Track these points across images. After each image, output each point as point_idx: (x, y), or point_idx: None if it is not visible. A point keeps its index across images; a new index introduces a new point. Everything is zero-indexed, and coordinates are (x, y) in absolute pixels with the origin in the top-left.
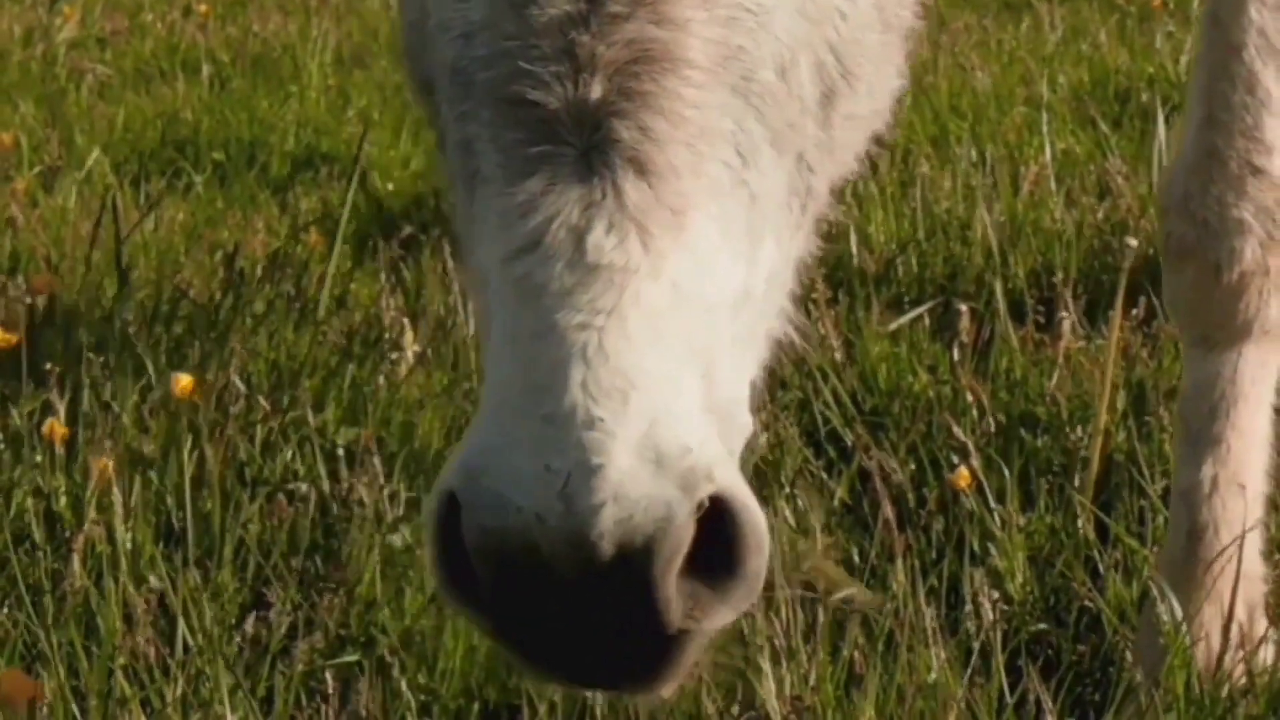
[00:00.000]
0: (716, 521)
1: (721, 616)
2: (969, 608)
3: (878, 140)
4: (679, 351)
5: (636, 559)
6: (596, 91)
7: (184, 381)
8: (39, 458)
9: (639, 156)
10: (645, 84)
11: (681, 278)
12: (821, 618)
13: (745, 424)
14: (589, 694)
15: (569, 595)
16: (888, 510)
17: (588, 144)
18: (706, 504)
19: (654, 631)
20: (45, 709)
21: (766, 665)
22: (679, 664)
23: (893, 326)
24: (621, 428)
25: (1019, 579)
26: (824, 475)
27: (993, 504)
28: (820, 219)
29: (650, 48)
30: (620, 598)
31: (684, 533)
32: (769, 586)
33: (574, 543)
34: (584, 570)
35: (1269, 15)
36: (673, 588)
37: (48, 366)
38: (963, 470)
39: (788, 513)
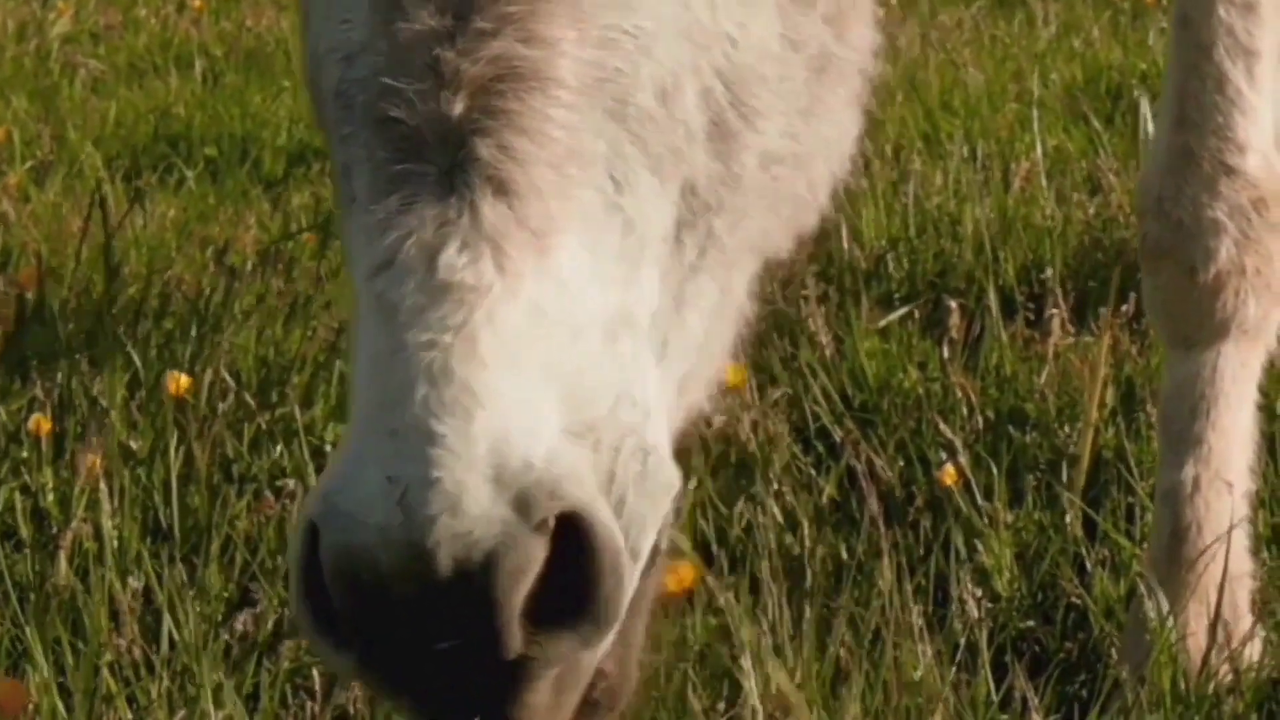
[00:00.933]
0: (570, 546)
1: (567, 645)
2: (956, 605)
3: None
4: (535, 373)
5: (476, 577)
6: (458, 109)
7: (182, 380)
8: (26, 454)
9: (499, 176)
10: (510, 102)
11: (543, 299)
12: (808, 615)
13: (637, 456)
14: None
15: (413, 615)
16: (874, 507)
17: (450, 162)
18: (553, 524)
19: (495, 656)
20: (31, 708)
21: (752, 663)
22: (528, 697)
23: (883, 323)
24: (462, 444)
25: (1006, 576)
26: (812, 472)
27: (980, 501)
28: (753, 277)
29: (517, 66)
30: (460, 617)
31: (528, 552)
32: (754, 584)
33: (411, 555)
34: (423, 585)
35: (1237, 15)
36: (515, 610)
37: (35, 362)
38: (949, 467)
39: (776, 510)
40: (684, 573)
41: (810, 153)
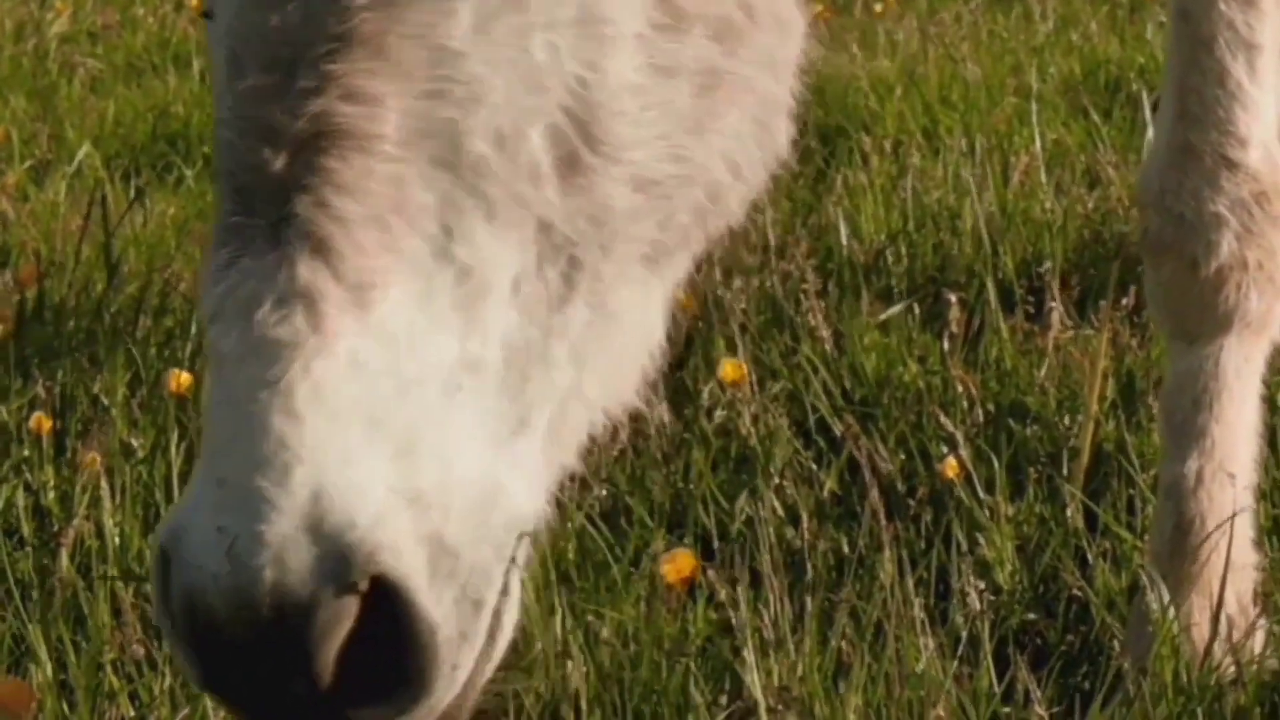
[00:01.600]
0: (384, 612)
1: (382, 710)
2: (957, 597)
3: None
4: (357, 427)
5: (293, 627)
6: (280, 165)
7: (182, 378)
8: (27, 452)
9: (317, 233)
10: (330, 160)
11: (363, 353)
12: (810, 608)
13: (476, 505)
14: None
15: (242, 654)
16: (876, 500)
17: (277, 217)
18: (365, 587)
19: (315, 698)
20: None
21: (754, 656)
22: None
23: (882, 317)
24: (282, 499)
25: (1008, 568)
26: (813, 466)
27: (982, 494)
28: (663, 286)
29: (338, 123)
30: (282, 661)
31: (339, 610)
32: (755, 578)
33: (238, 603)
34: (250, 630)
35: (1238, 8)
36: (329, 660)
37: (36, 360)
38: (951, 460)
39: (776, 504)
40: (682, 563)
41: (705, 167)
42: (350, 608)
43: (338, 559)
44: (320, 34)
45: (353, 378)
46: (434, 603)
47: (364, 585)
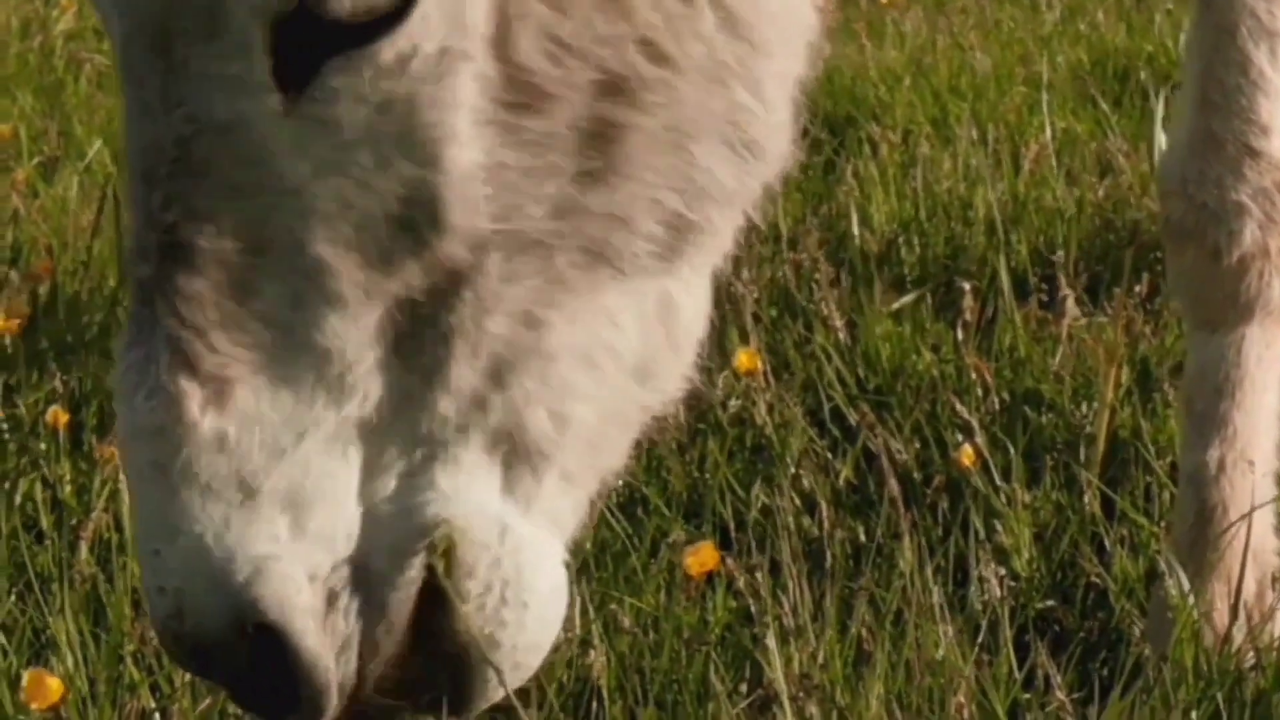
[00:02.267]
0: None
1: None
2: (975, 585)
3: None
4: (230, 496)
5: (211, 661)
6: (146, 273)
7: None
8: (44, 446)
9: (175, 339)
10: (180, 274)
11: (229, 435)
12: (829, 596)
13: (394, 533)
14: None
15: (198, 663)
16: (894, 488)
17: (151, 316)
18: (252, 631)
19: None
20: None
21: (775, 643)
22: None
23: (895, 306)
24: (176, 561)
25: (1025, 556)
26: (829, 455)
27: (998, 481)
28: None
29: (183, 238)
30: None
31: (230, 651)
32: (774, 567)
33: (175, 638)
34: (191, 659)
35: None
36: (244, 685)
37: (51, 355)
38: (966, 448)
39: (793, 495)
40: (705, 555)
41: (621, 217)
42: (239, 649)
43: (225, 611)
44: (163, 156)
45: (220, 455)
46: (319, 640)
47: (250, 630)
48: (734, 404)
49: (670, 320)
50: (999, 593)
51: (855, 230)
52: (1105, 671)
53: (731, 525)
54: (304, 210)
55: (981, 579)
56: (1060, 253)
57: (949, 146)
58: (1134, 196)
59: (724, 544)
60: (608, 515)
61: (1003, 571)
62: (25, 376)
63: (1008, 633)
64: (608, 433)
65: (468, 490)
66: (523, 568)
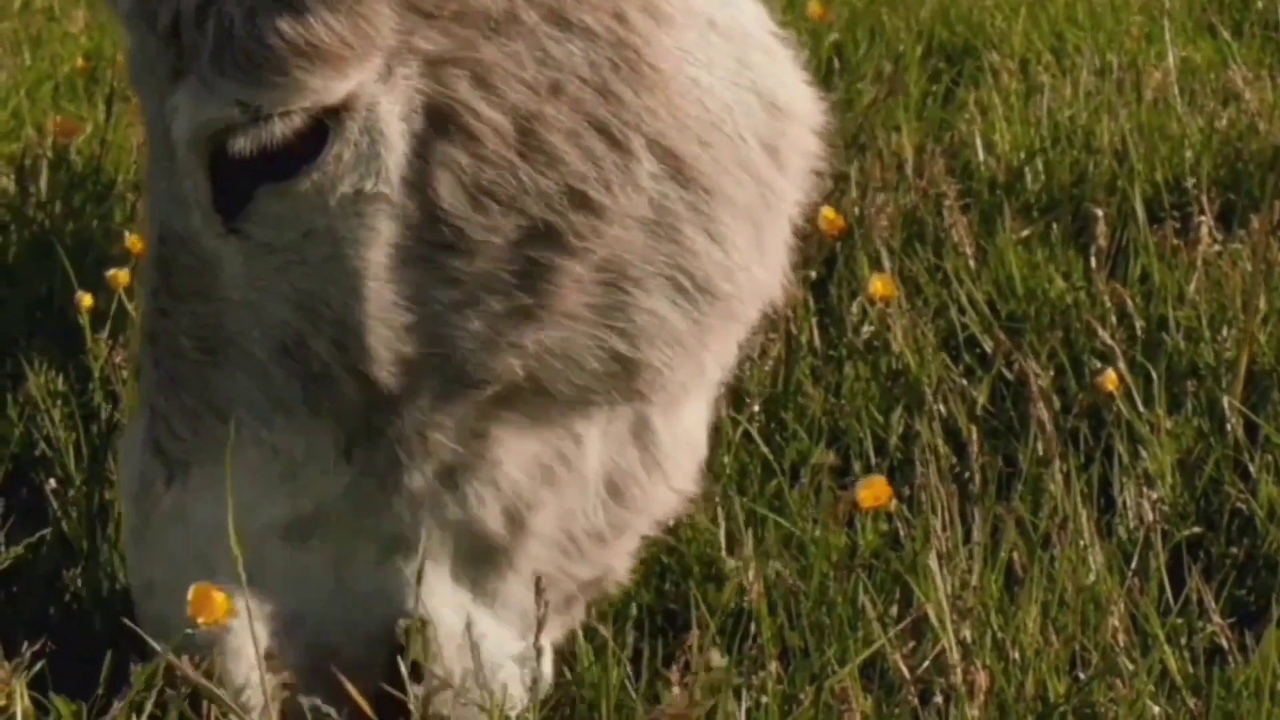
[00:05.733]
0: None
1: None
2: (1122, 510)
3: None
4: (188, 568)
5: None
6: (138, 350)
7: None
8: None
9: (149, 413)
10: (157, 364)
11: (188, 511)
12: (977, 521)
13: (346, 616)
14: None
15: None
16: (1043, 413)
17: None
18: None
19: None
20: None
21: (938, 565)
22: None
23: (1025, 232)
24: (149, 605)
25: (1169, 482)
26: (964, 382)
27: (1140, 408)
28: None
29: (157, 333)
30: None
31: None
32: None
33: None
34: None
35: None
36: None
37: None
38: (1110, 373)
39: (936, 417)
40: (878, 489)
41: (558, 353)
42: None
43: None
44: (151, 251)
45: (180, 528)
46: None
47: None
48: (867, 329)
49: (648, 443)
50: (1150, 517)
51: (980, 158)
52: (1252, 597)
53: (872, 452)
54: (249, 320)
55: (1129, 504)
56: (1192, 180)
57: (1068, 76)
58: (1262, 123)
59: (865, 469)
60: (746, 440)
61: (1155, 496)
62: None
63: (1161, 558)
64: (579, 541)
65: (432, 582)
66: (485, 659)
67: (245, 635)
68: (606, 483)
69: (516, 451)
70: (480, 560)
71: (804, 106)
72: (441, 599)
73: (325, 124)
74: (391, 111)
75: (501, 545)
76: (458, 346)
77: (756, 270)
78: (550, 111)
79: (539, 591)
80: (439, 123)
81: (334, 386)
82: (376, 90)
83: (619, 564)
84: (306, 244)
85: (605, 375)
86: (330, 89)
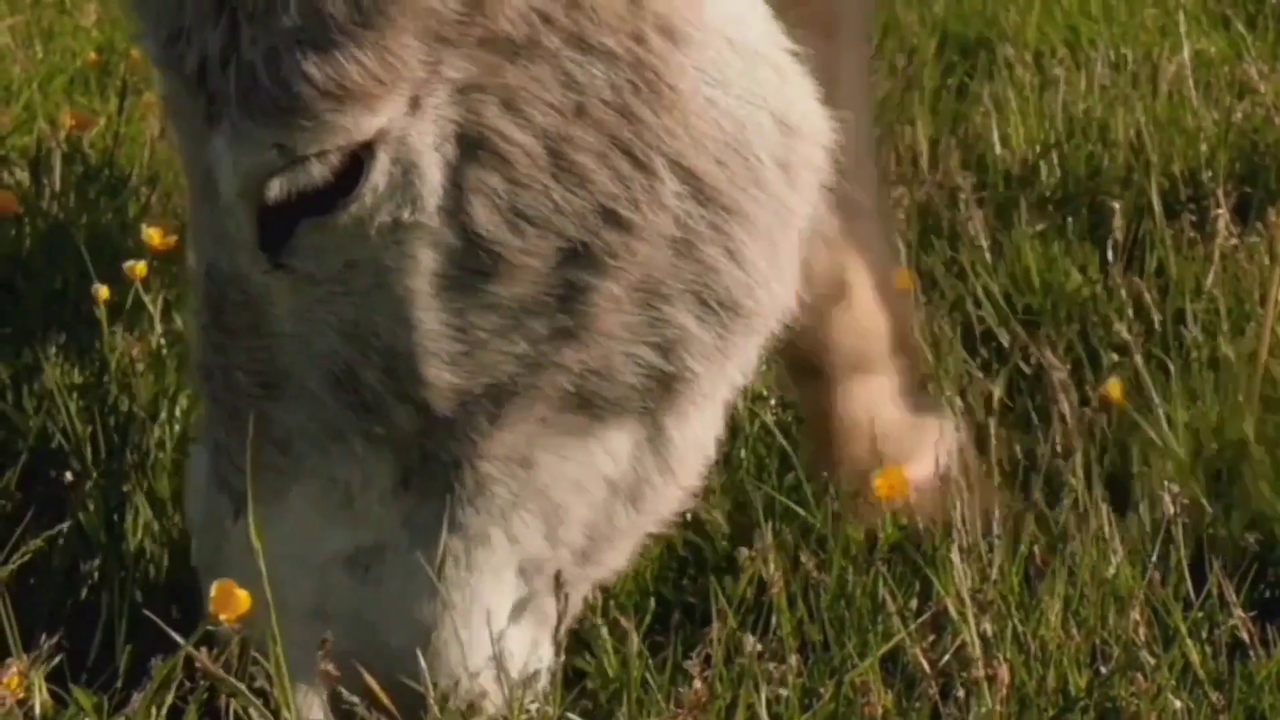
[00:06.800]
0: None
1: None
2: (1144, 503)
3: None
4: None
5: None
6: (197, 385)
7: None
8: None
9: (217, 461)
10: (209, 399)
11: (253, 540)
12: (997, 514)
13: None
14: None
15: None
16: (1062, 405)
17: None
18: None
19: None
20: None
21: (959, 557)
22: None
23: (1041, 226)
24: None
25: (1187, 476)
26: (980, 374)
27: (1156, 400)
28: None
29: (208, 364)
30: None
31: None
32: (944, 480)
33: None
34: None
35: None
36: None
37: None
38: (1114, 382)
39: (954, 416)
40: (894, 479)
41: (598, 370)
42: None
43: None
44: (198, 287)
45: (248, 557)
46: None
47: None
48: None
49: (663, 449)
50: (1170, 511)
51: (996, 151)
52: (1268, 594)
53: None
54: (300, 353)
55: (1151, 497)
56: (1208, 173)
57: (1083, 69)
58: (1277, 115)
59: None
60: (764, 433)
61: (1175, 489)
62: (185, 291)
63: (1181, 550)
64: (598, 548)
65: (479, 607)
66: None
67: (312, 671)
68: (628, 493)
69: (559, 474)
70: (521, 575)
71: (815, 124)
72: (497, 620)
73: (360, 157)
74: (423, 141)
75: (538, 562)
76: (505, 371)
77: (775, 286)
78: (577, 133)
79: (559, 587)
80: (470, 149)
81: (387, 415)
82: (407, 122)
83: (623, 563)
84: (350, 274)
85: (641, 388)
86: (361, 126)
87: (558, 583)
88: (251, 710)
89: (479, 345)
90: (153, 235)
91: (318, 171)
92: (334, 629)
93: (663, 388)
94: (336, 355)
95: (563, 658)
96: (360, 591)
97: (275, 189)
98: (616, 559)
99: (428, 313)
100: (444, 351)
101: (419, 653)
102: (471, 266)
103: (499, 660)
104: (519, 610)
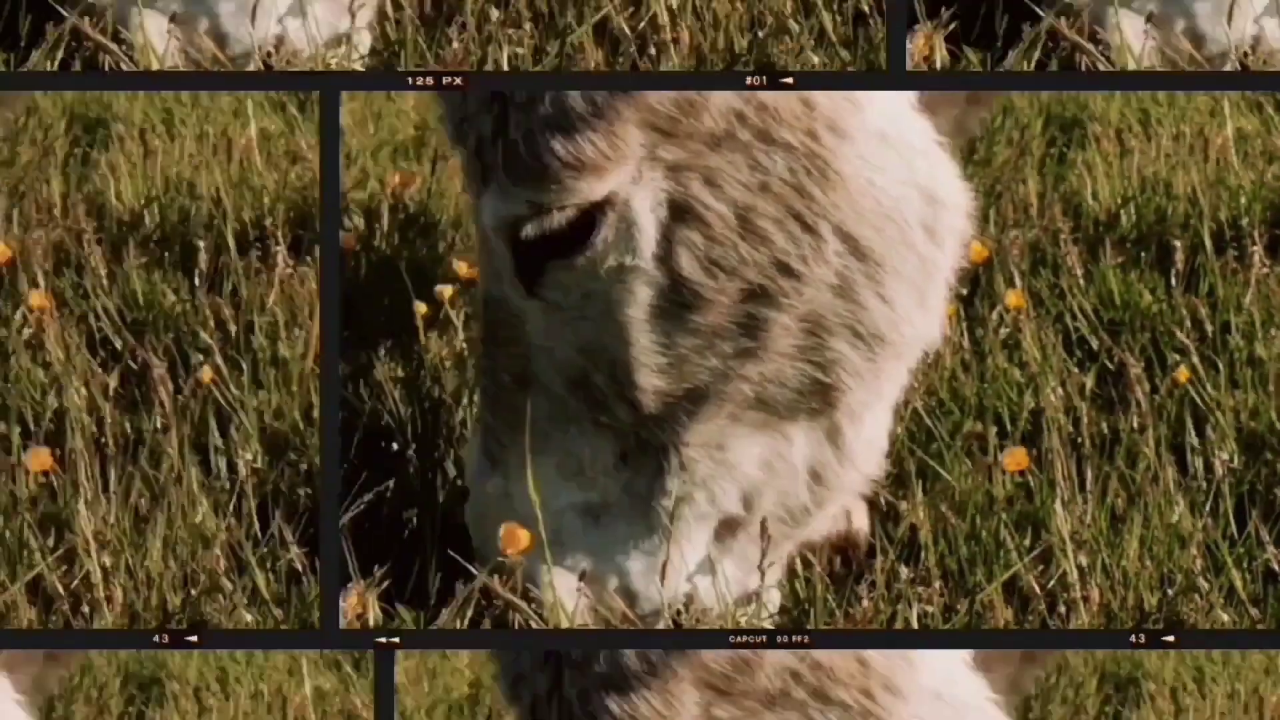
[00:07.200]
0: None
1: None
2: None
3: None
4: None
5: None
6: (482, 401)
7: None
8: None
9: (485, 437)
10: (488, 396)
11: (507, 492)
12: (1089, 475)
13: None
14: None
15: None
16: (1138, 394)
17: None
18: None
19: None
20: None
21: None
22: None
23: (1121, 259)
24: (487, 551)
25: (1231, 448)
26: (1075, 369)
27: (1210, 390)
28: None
29: (487, 372)
30: None
31: None
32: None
33: None
34: None
35: None
36: None
37: None
38: (1182, 368)
39: (1056, 403)
40: (1018, 456)
41: (772, 380)
42: None
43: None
44: (479, 311)
45: (501, 506)
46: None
47: None
48: (1004, 331)
49: (839, 442)
50: (1220, 473)
51: (1088, 203)
52: None
53: (1008, 422)
54: (547, 360)
55: (1204, 462)
56: (1246, 219)
57: (1152, 141)
58: None
59: (1000, 434)
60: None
61: (1224, 456)
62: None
63: (1228, 501)
64: (793, 513)
65: (689, 557)
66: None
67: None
68: (809, 471)
69: (747, 454)
70: (725, 529)
71: (956, 197)
72: (698, 565)
73: (593, 214)
74: (643, 205)
75: (740, 519)
76: (700, 380)
77: (918, 322)
78: (761, 204)
79: (763, 531)
80: (678, 212)
81: (610, 410)
82: (631, 189)
83: (823, 526)
84: (586, 304)
85: (806, 394)
86: (594, 190)
87: (763, 529)
88: (530, 621)
89: (681, 360)
90: (460, 267)
91: (559, 221)
92: (569, 559)
93: (823, 393)
94: (574, 363)
95: (768, 582)
96: (593, 533)
97: (527, 232)
98: (813, 521)
99: (643, 334)
100: (654, 364)
101: (639, 574)
102: (677, 301)
103: (714, 580)
104: (725, 551)
